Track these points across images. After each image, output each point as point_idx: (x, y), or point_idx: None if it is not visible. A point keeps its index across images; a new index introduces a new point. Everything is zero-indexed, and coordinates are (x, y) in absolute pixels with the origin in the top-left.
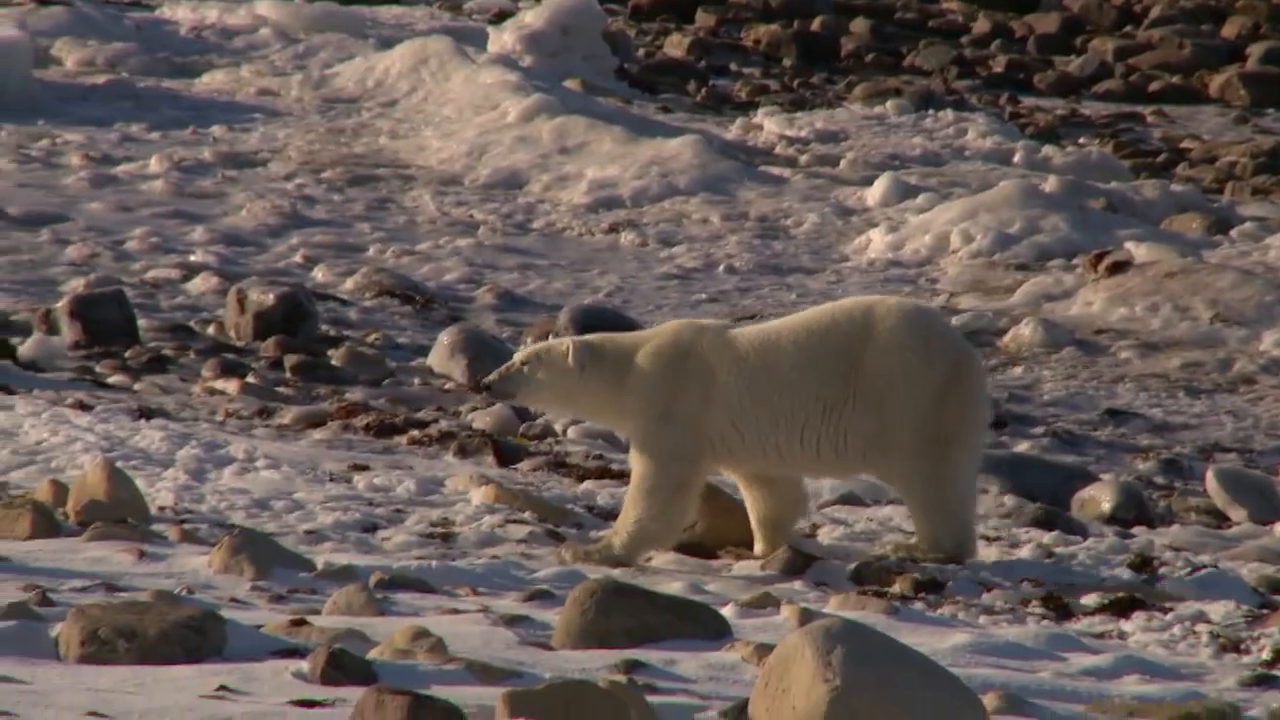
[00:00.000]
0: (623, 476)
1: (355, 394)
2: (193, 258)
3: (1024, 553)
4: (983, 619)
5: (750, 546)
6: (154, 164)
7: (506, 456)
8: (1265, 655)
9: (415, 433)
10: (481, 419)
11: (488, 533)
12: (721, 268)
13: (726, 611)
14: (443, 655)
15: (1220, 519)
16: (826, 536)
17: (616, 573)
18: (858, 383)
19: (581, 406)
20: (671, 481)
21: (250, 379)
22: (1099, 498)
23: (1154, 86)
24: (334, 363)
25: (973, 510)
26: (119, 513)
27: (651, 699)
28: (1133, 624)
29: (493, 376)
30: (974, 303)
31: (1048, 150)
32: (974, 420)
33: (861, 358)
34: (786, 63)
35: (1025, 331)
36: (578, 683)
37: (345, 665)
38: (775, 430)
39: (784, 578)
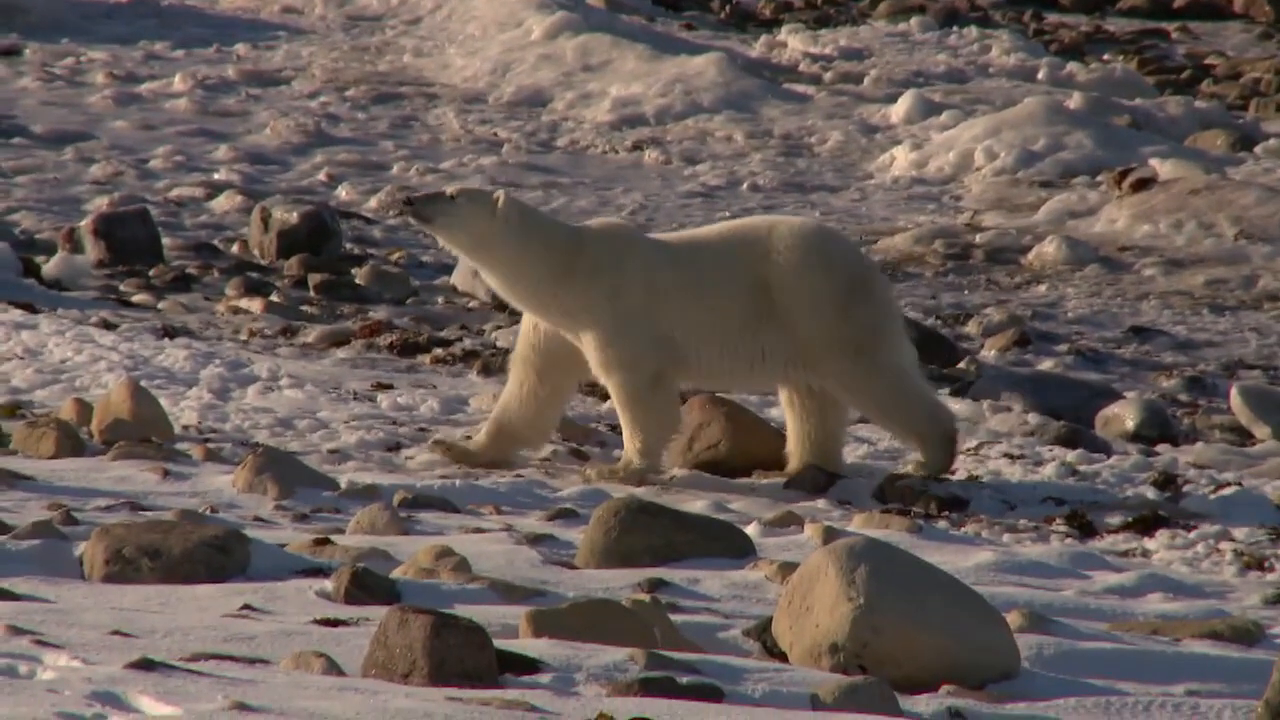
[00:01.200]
0: None
1: (379, 313)
2: (216, 176)
3: (1048, 471)
4: (1006, 537)
5: (775, 465)
6: (178, 82)
7: None
8: None
9: (439, 351)
10: (505, 337)
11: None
12: (745, 185)
13: (750, 530)
14: (466, 574)
15: (1244, 436)
16: (850, 455)
17: (640, 491)
18: (767, 300)
19: (490, 259)
20: (645, 381)
21: (274, 298)
22: (1123, 415)
23: (1179, 3)
24: (358, 281)
25: (927, 390)
26: (143, 432)
27: (675, 617)
28: (1156, 542)
29: (419, 195)
30: (998, 220)
31: (1072, 67)
32: (886, 328)
33: (766, 276)
34: None
35: (1049, 249)
36: (601, 601)
37: (369, 584)
38: (695, 341)
39: (807, 496)
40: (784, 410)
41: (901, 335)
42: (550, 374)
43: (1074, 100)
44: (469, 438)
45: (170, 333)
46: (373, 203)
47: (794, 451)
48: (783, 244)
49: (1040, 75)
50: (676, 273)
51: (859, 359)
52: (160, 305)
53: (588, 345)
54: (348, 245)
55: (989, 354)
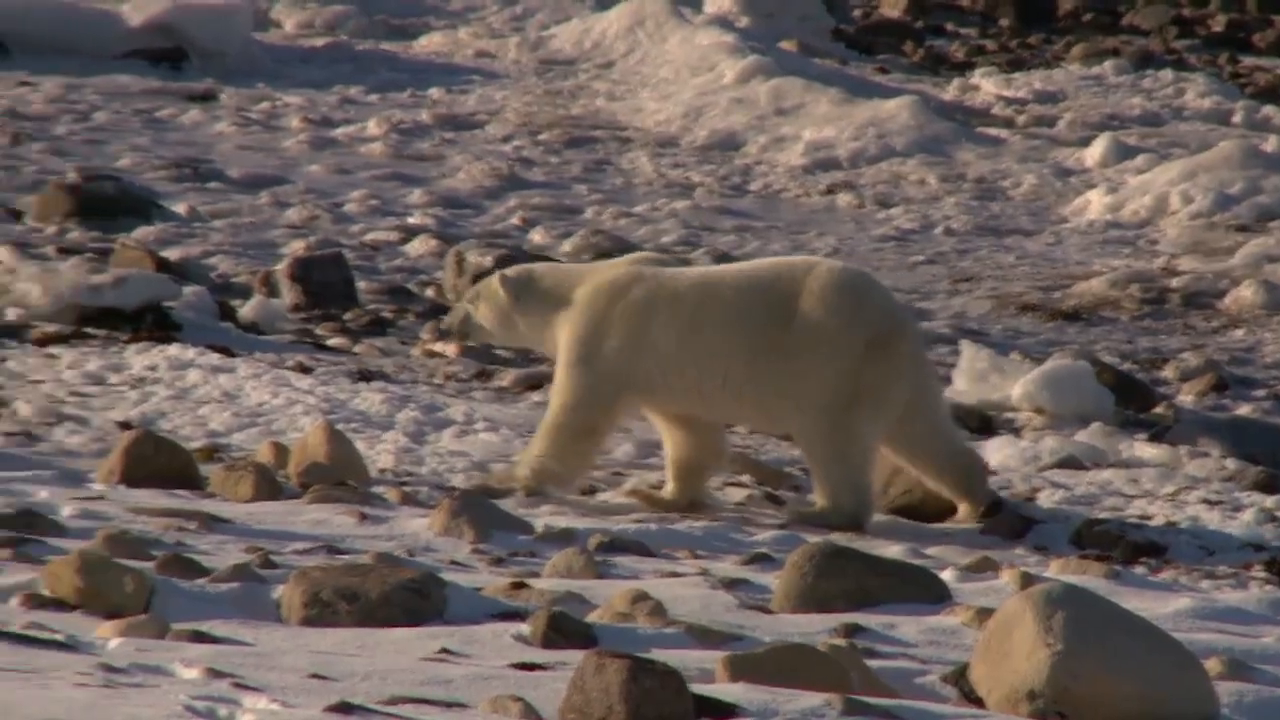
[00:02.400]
0: None
1: None
2: (411, 220)
3: (1246, 517)
4: (1204, 583)
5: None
6: (372, 126)
7: None
8: None
9: None
10: None
11: (705, 495)
12: (939, 229)
13: (946, 575)
14: (662, 618)
15: None
16: (1046, 500)
17: (836, 536)
18: (786, 337)
19: (521, 335)
20: (577, 425)
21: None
22: None
23: None
24: None
25: (872, 474)
26: (340, 475)
27: (871, 663)
28: None
29: (446, 324)
30: (1194, 264)
31: (1268, 110)
32: (889, 389)
33: (793, 313)
34: (1004, 23)
35: (1246, 293)
36: (798, 646)
37: (565, 628)
38: (701, 372)
39: (1004, 542)
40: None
41: (892, 405)
42: (694, 419)
43: (1270, 143)
44: (658, 487)
45: (366, 376)
46: (566, 246)
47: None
48: (818, 283)
49: (1236, 118)
50: (689, 306)
51: (847, 412)
52: (356, 349)
53: (559, 359)
54: None
55: (1186, 399)
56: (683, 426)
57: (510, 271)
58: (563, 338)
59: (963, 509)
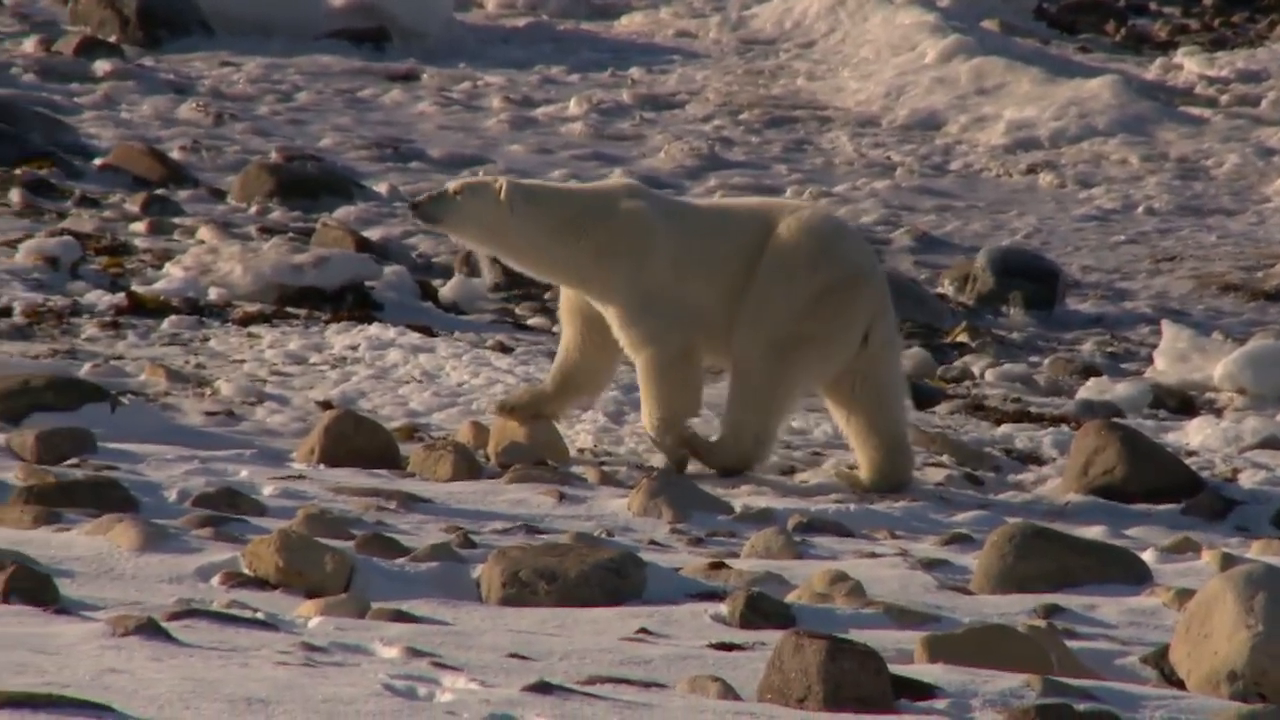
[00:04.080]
0: (1042, 420)
1: None
2: None
3: None
4: None
5: (1173, 491)
6: (573, 106)
7: (924, 399)
8: None
9: None
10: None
11: None
12: (1140, 209)
13: (1146, 556)
14: (861, 599)
15: None
16: (1248, 481)
17: (1036, 517)
18: (755, 271)
19: (505, 247)
20: (674, 354)
21: None
22: None
23: None
24: None
25: (783, 421)
26: (539, 455)
27: (1071, 644)
28: None
29: (422, 198)
30: None
31: None
32: (834, 339)
33: (764, 249)
34: (1207, 1)
35: None
36: (997, 627)
37: (764, 608)
38: (722, 309)
39: (1205, 523)
40: (834, 416)
41: (836, 355)
42: (601, 322)
43: None
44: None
45: None
46: None
47: (865, 461)
48: (789, 223)
49: None
50: (699, 242)
51: (786, 352)
52: (555, 328)
53: (613, 322)
54: None
55: None
56: (581, 346)
57: (510, 180)
58: (609, 277)
59: (865, 479)
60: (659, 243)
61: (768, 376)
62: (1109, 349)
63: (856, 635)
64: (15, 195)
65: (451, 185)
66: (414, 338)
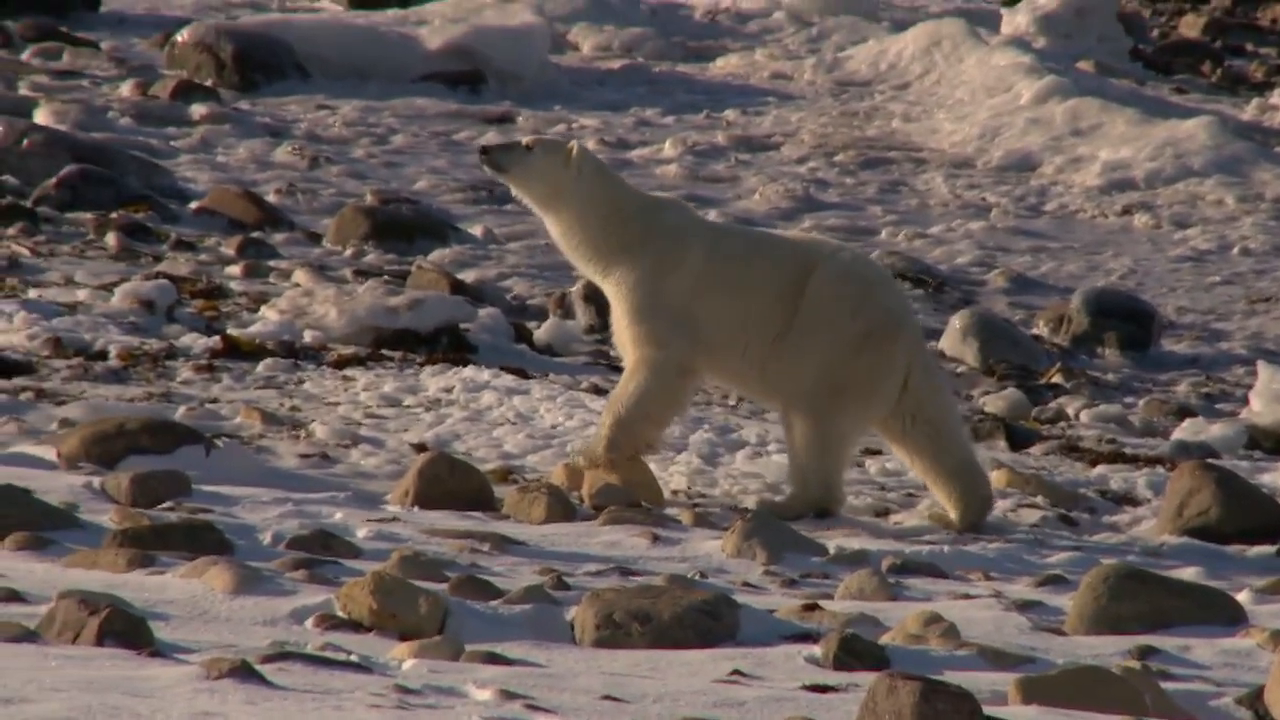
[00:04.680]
0: (1136, 461)
1: None
2: None
3: None
4: None
5: (1268, 531)
6: (668, 148)
7: (1018, 440)
8: None
9: None
10: (994, 403)
11: (1000, 517)
12: (1236, 250)
13: (1241, 597)
14: (955, 640)
15: None
16: None
17: (1131, 558)
18: (791, 315)
19: (559, 210)
20: (675, 363)
21: None
22: None
23: None
24: None
25: (845, 464)
26: (633, 497)
27: (1166, 685)
28: None
29: (495, 145)
30: None
31: None
32: (877, 384)
33: (802, 294)
34: None
35: None
36: (1091, 669)
37: (857, 650)
38: (724, 337)
39: None
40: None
41: (880, 399)
42: None
43: None
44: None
45: None
46: None
47: (945, 498)
48: (830, 268)
49: None
50: (728, 266)
51: (832, 399)
52: None
53: (620, 314)
54: None
55: None
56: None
57: (586, 148)
58: (637, 270)
59: (954, 517)
60: (688, 256)
61: (819, 423)
62: (1204, 390)
63: (950, 677)
64: (111, 239)
65: (526, 139)
66: (508, 380)
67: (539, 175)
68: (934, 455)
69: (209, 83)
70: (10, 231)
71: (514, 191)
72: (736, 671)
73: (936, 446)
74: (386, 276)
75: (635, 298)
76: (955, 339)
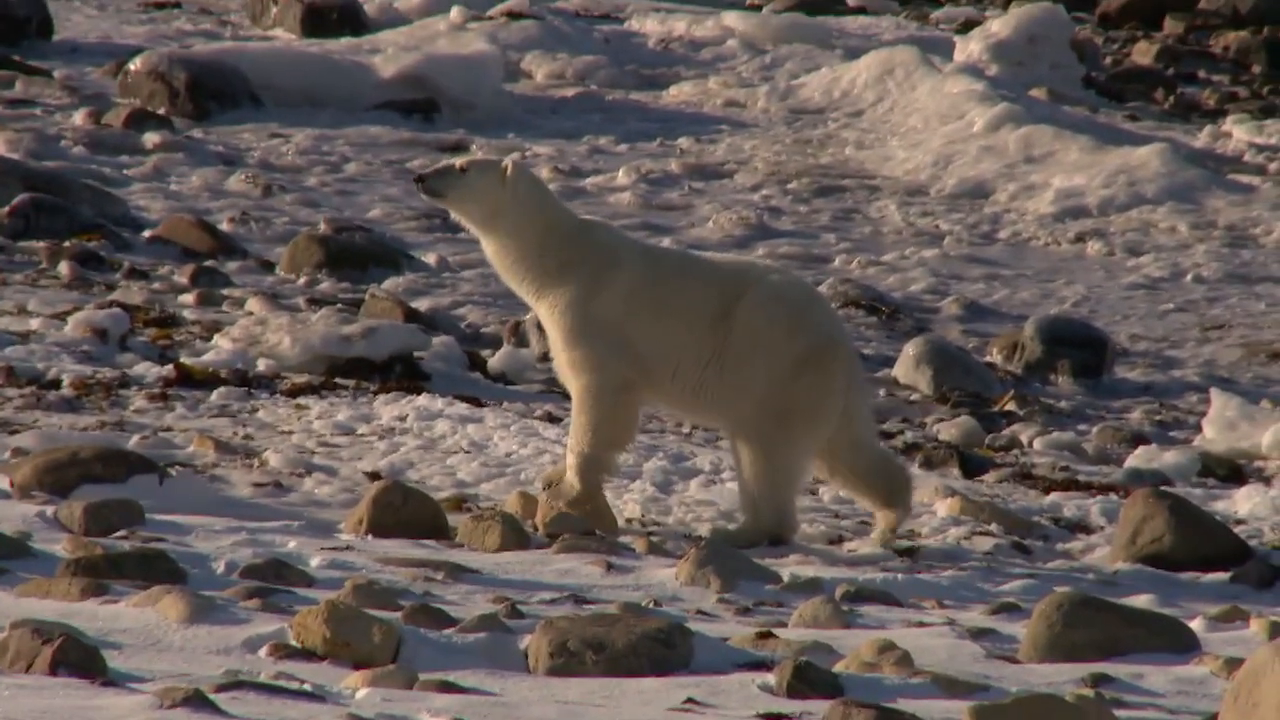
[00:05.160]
0: (1090, 488)
1: None
2: None
3: None
4: None
5: (1221, 559)
6: (622, 176)
7: (972, 468)
8: None
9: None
10: (947, 431)
11: (953, 545)
12: (1189, 277)
13: (1195, 625)
14: (909, 668)
15: None
16: None
17: (1084, 586)
18: (727, 339)
19: (496, 229)
20: (615, 384)
21: None
22: None
23: None
24: None
25: (797, 491)
26: (587, 525)
27: (1119, 713)
28: None
29: (429, 171)
30: None
31: None
32: (822, 405)
33: (733, 316)
34: (1256, 69)
35: None
36: (1045, 696)
37: (811, 678)
38: (655, 358)
39: (1253, 591)
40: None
41: (825, 421)
42: None
43: None
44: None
45: None
46: None
47: (871, 496)
48: (761, 291)
49: None
50: (658, 287)
51: (778, 424)
52: None
53: (555, 338)
54: None
55: None
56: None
57: (518, 162)
58: (568, 292)
59: (882, 519)
60: (620, 275)
61: (768, 449)
62: (1157, 417)
63: (904, 705)
64: (64, 268)
65: (459, 161)
66: (462, 408)
67: (475, 196)
68: (854, 458)
69: (162, 111)
70: None
71: (453, 215)
72: (691, 700)
73: (857, 451)
74: (340, 305)
75: (568, 320)
76: (909, 366)
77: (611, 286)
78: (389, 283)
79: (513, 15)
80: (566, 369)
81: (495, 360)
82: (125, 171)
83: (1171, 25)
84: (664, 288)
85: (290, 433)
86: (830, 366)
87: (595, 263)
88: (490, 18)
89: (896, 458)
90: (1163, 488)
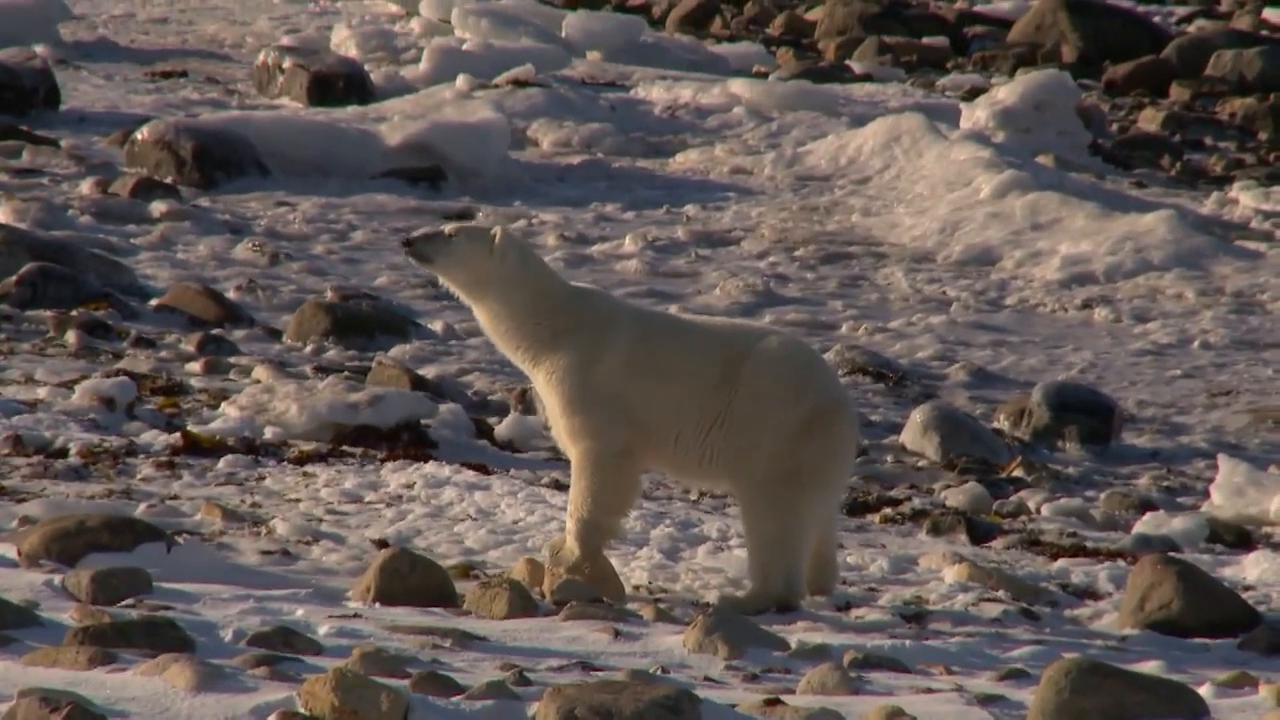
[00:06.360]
0: (1098, 554)
1: None
2: None
3: None
4: None
5: (1230, 625)
6: (628, 243)
7: (979, 534)
8: None
9: (888, 510)
10: (954, 497)
11: (961, 611)
12: (1196, 343)
13: (1204, 691)
14: None
15: None
16: None
17: (1093, 652)
18: (732, 403)
19: (484, 297)
20: (615, 450)
21: None
22: None
23: None
24: None
25: (806, 556)
26: (594, 592)
27: None
28: None
29: (418, 235)
30: None
31: None
32: (831, 467)
33: (738, 380)
34: (1262, 136)
35: None
36: None
37: None
38: (657, 424)
39: (1262, 657)
40: None
41: (834, 483)
42: None
43: None
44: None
45: None
46: None
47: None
48: (763, 355)
49: None
50: (658, 352)
51: (786, 488)
52: None
53: (553, 406)
54: None
55: None
56: None
57: (508, 230)
58: (564, 359)
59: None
60: (616, 341)
61: (776, 513)
62: (1165, 483)
63: None
64: (71, 336)
65: (448, 227)
66: (469, 475)
67: (462, 263)
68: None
69: (169, 180)
70: None
71: (440, 281)
72: None
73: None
74: (347, 373)
75: (566, 388)
76: (916, 433)
77: (610, 352)
78: (396, 350)
79: (519, 83)
80: (565, 436)
81: (502, 427)
82: (132, 240)
83: (1178, 92)
84: (663, 352)
85: (298, 500)
86: (837, 428)
87: (593, 329)
88: (496, 86)
89: (833, 539)
90: (1171, 554)
